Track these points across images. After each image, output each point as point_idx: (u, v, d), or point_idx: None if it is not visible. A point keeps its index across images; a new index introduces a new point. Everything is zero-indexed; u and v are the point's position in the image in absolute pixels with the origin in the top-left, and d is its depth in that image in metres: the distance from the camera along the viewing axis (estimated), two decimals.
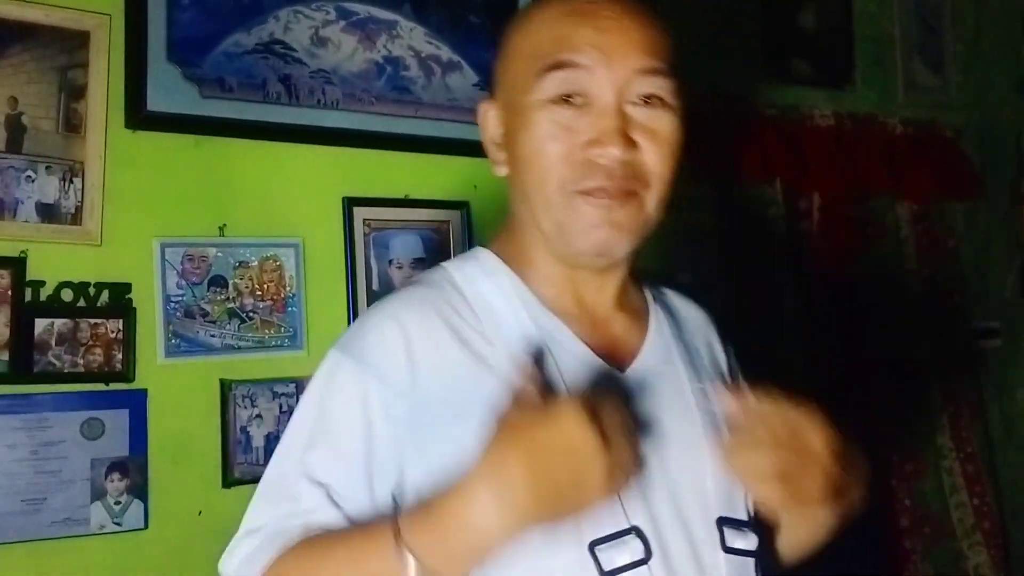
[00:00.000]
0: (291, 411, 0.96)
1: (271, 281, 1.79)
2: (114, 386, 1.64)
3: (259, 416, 1.74)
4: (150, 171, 1.70)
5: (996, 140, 2.92)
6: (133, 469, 1.63)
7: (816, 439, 0.89)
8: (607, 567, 0.83)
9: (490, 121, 1.00)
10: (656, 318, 1.04)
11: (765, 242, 2.41)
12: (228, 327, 1.74)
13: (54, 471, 1.57)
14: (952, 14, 2.90)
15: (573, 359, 0.93)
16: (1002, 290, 2.90)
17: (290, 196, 1.82)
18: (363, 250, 1.88)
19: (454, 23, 1.98)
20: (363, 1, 1.89)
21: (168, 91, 1.69)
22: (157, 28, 1.68)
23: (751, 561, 0.95)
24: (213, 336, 1.73)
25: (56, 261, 1.62)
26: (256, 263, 1.78)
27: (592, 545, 0.85)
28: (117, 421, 1.63)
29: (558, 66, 0.90)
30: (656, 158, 0.92)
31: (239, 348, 1.75)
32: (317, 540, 0.86)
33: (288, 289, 1.80)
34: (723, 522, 0.93)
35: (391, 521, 0.81)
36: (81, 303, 1.62)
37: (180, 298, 1.70)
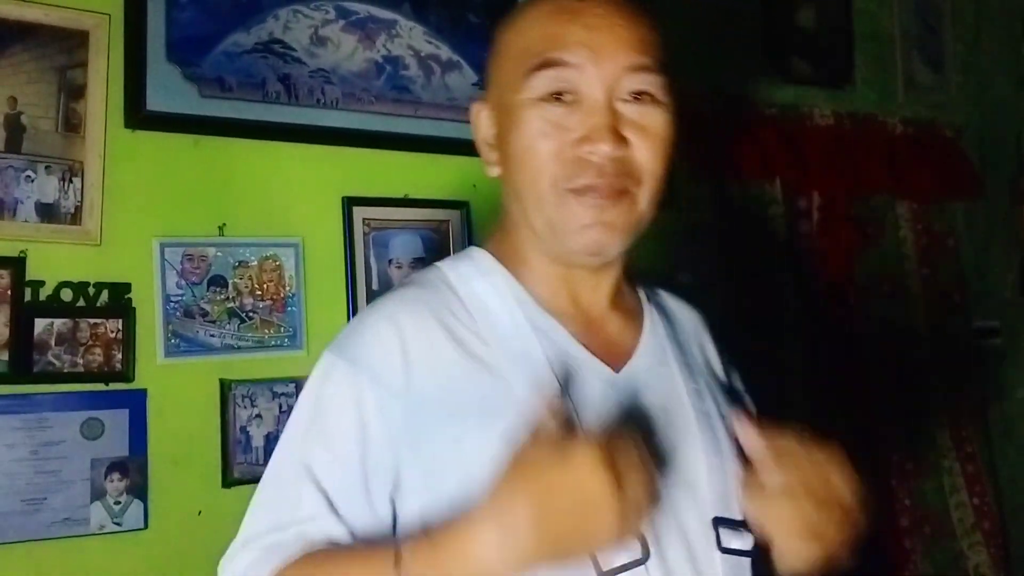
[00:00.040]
0: (291, 411, 0.96)
1: (271, 281, 1.79)
2: (114, 386, 1.64)
3: (259, 416, 1.74)
4: (150, 171, 1.70)
5: (996, 139, 2.92)
6: (133, 469, 1.63)
7: (844, 486, 0.88)
8: (605, 567, 0.83)
9: (482, 121, 1.00)
10: (650, 318, 1.04)
11: (765, 241, 2.41)
12: (228, 327, 1.74)
13: (54, 471, 1.57)
14: (952, 13, 2.91)
15: (567, 357, 0.93)
16: (1002, 289, 2.89)
17: (290, 196, 1.82)
18: (363, 250, 1.88)
19: (454, 22, 1.98)
20: (362, 0, 1.89)
21: (167, 91, 1.69)
22: (156, 28, 1.68)
23: (746, 561, 0.95)
24: (213, 336, 1.73)
25: (56, 261, 1.62)
26: (256, 263, 1.78)
27: None
28: (117, 421, 1.63)
29: (547, 65, 0.90)
30: (647, 154, 0.92)
31: (239, 348, 1.75)
32: (316, 562, 0.85)
33: (288, 289, 1.80)
34: (719, 522, 0.93)
35: (393, 549, 0.81)
36: (81, 303, 1.62)
37: (180, 298, 1.70)
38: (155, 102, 1.67)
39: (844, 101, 2.61)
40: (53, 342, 1.60)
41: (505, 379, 0.90)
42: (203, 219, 1.74)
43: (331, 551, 0.86)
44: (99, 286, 1.64)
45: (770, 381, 2.31)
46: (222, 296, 1.74)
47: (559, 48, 0.90)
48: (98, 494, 1.60)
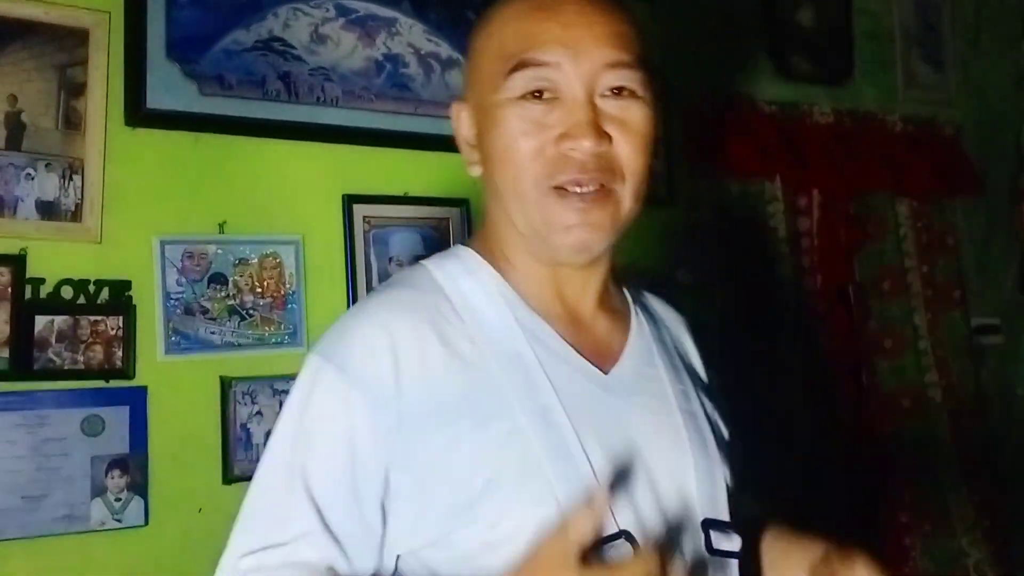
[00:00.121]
0: None
1: (271, 278, 1.79)
2: (114, 383, 1.64)
3: (259, 413, 1.74)
4: (150, 168, 1.70)
5: (996, 137, 2.92)
6: (133, 466, 1.63)
7: None
8: (597, 545, 0.83)
9: (463, 121, 0.99)
10: (637, 319, 1.03)
11: (765, 239, 2.41)
12: (228, 324, 1.74)
13: (55, 468, 1.58)
14: (952, 11, 2.91)
15: (557, 359, 0.92)
16: (1002, 287, 2.90)
17: (290, 193, 1.82)
18: (363, 247, 1.88)
19: (453, 20, 1.98)
20: None
21: (168, 88, 1.69)
22: (156, 25, 1.68)
23: (734, 562, 0.95)
24: (213, 333, 1.73)
25: (56, 258, 1.62)
26: (256, 260, 1.78)
27: None
28: (117, 418, 1.63)
29: (526, 64, 0.90)
30: (628, 149, 0.91)
31: (239, 345, 1.75)
32: None
33: (288, 286, 1.81)
34: (708, 524, 0.93)
35: None
36: (81, 300, 1.63)
37: (180, 295, 1.70)
38: (155, 100, 1.68)
39: (844, 99, 2.61)
40: (53, 339, 1.60)
41: (496, 383, 0.89)
42: (203, 216, 1.74)
43: None
44: (99, 283, 1.64)
45: (770, 381, 2.31)
46: (222, 293, 1.74)
47: (537, 47, 0.89)
48: (99, 491, 1.60)
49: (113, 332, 1.64)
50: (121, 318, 1.65)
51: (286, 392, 1.73)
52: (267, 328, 1.78)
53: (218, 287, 1.74)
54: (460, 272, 0.96)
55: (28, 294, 1.59)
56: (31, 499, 1.55)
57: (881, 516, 2.45)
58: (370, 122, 1.88)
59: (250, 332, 1.76)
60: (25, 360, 1.58)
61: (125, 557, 1.61)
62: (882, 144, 2.60)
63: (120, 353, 1.64)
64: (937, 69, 2.86)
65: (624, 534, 0.83)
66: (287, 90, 1.80)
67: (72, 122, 1.64)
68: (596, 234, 0.91)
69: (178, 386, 1.69)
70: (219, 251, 1.75)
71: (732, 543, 0.94)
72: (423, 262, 1.00)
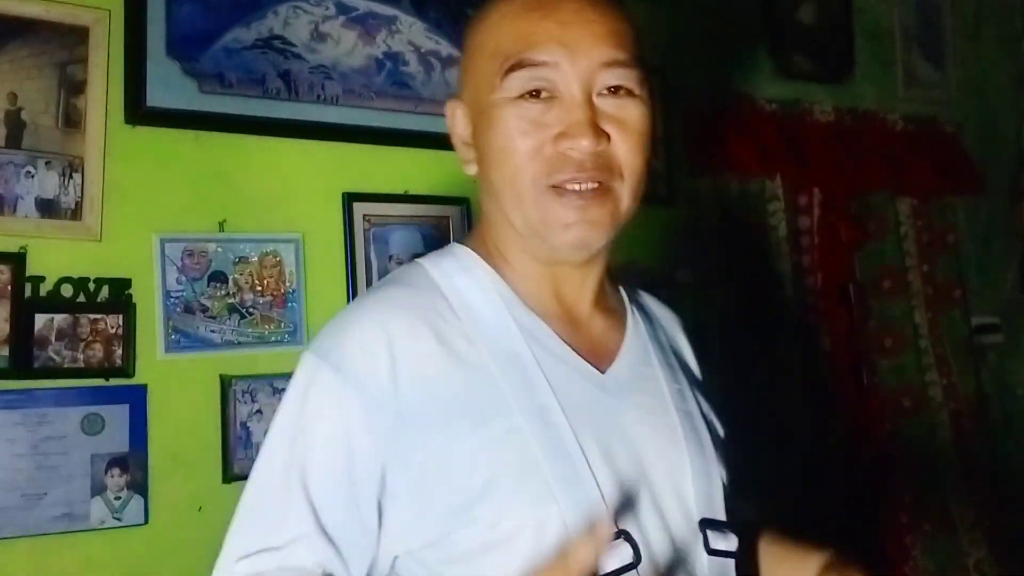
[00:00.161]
0: None
1: (271, 277, 1.79)
2: (114, 381, 1.64)
3: (259, 412, 1.74)
4: (150, 166, 1.70)
5: (996, 135, 2.92)
6: (133, 464, 1.63)
7: None
8: (598, 572, 0.83)
9: (458, 120, 0.99)
10: (633, 319, 1.03)
11: (765, 238, 2.41)
12: (228, 323, 1.74)
13: (54, 466, 1.57)
14: (952, 9, 2.91)
15: (555, 359, 0.92)
16: (1002, 286, 2.90)
17: (290, 191, 1.82)
18: (363, 245, 1.88)
19: (453, 18, 1.98)
20: None
21: (167, 86, 1.69)
22: (156, 23, 1.68)
23: (730, 562, 0.94)
24: (213, 331, 1.73)
25: (56, 256, 1.62)
26: (256, 259, 1.78)
27: None
28: (117, 416, 1.63)
29: (522, 65, 0.89)
30: (627, 147, 0.91)
31: (239, 343, 1.75)
32: None
33: (288, 285, 1.80)
34: (705, 524, 0.93)
35: None
36: (81, 298, 1.62)
37: (180, 293, 1.70)
38: (155, 98, 1.67)
39: (844, 97, 2.61)
40: (53, 337, 1.60)
41: (494, 382, 0.88)
42: (203, 215, 1.74)
43: None
44: (99, 282, 1.64)
45: (770, 381, 2.31)
46: (222, 292, 1.74)
47: (534, 47, 0.89)
48: (98, 489, 1.60)
49: (113, 330, 1.64)
50: (121, 316, 1.65)
51: (286, 390, 1.76)
52: (267, 326, 1.78)
53: (218, 285, 1.74)
54: (456, 270, 0.96)
55: (28, 292, 1.59)
56: (31, 497, 1.55)
57: (881, 516, 2.45)
58: (370, 120, 1.88)
59: (250, 330, 1.76)
60: (25, 358, 1.58)
61: (125, 556, 1.61)
62: (883, 143, 2.60)
63: (120, 351, 1.64)
64: (938, 67, 2.86)
65: (623, 534, 0.83)
66: (287, 88, 1.80)
67: (72, 120, 1.64)
68: (595, 231, 0.91)
69: (178, 384, 1.69)
70: (219, 249, 1.75)
71: (729, 543, 0.94)
72: (419, 260, 0.99)
